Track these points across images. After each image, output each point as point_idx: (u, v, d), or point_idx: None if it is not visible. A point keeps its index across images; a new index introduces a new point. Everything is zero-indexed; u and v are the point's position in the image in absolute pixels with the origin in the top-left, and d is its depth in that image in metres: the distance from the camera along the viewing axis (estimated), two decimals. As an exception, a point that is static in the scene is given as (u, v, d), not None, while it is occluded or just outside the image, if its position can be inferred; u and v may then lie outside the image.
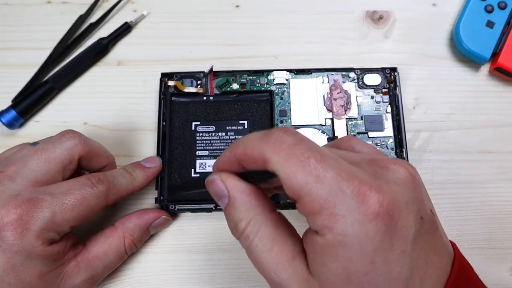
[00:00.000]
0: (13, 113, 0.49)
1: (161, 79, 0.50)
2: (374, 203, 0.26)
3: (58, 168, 0.40)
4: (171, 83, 0.49)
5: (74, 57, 0.53)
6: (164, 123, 0.48)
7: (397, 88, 0.49)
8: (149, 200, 0.48)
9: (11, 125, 0.50)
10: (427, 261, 0.28)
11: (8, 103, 0.50)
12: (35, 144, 0.42)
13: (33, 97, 0.50)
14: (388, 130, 0.48)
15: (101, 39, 0.53)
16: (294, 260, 0.29)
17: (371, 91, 0.50)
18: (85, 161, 0.42)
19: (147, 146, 0.50)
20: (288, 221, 0.31)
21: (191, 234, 0.47)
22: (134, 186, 0.43)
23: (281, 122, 0.48)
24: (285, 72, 0.50)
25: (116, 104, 0.52)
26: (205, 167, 0.47)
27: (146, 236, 0.45)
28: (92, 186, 0.39)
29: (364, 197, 0.26)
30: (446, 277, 0.29)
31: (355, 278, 0.27)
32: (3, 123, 0.49)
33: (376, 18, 0.54)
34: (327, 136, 0.48)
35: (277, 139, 0.28)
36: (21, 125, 0.51)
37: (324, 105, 0.49)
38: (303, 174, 0.27)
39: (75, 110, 0.52)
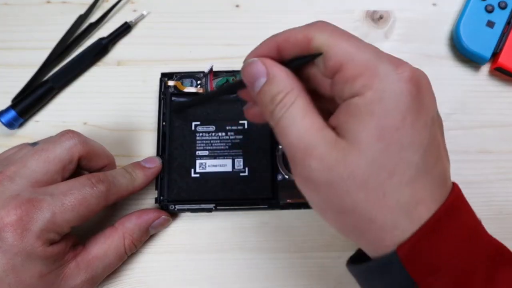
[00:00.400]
0: (13, 113, 0.49)
1: (161, 79, 0.50)
2: (407, 70, 0.30)
3: (57, 168, 0.40)
4: (171, 83, 0.49)
5: (74, 57, 0.53)
6: (164, 123, 0.48)
7: (397, 88, 0.49)
8: (149, 200, 0.48)
9: (11, 125, 0.50)
10: (439, 149, 0.32)
11: (8, 103, 0.50)
12: (34, 144, 0.42)
13: (33, 97, 0.50)
14: (388, 130, 0.48)
15: (101, 39, 0.53)
16: (324, 129, 0.30)
17: (371, 91, 0.50)
18: (85, 161, 0.42)
19: (147, 146, 0.50)
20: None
21: (191, 234, 0.47)
22: (134, 186, 0.43)
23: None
24: (285, 72, 0.50)
25: (116, 104, 0.52)
26: (205, 167, 0.47)
27: (146, 236, 0.45)
28: (92, 186, 0.39)
29: (399, 65, 0.30)
30: (447, 192, 0.31)
31: (387, 134, 0.29)
32: (3, 123, 0.49)
33: (376, 18, 0.54)
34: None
35: (320, 24, 0.32)
36: (21, 125, 0.51)
37: (324, 105, 0.49)
38: (347, 43, 0.30)
39: (75, 110, 0.52)
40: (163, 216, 0.45)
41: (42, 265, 0.37)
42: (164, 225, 0.46)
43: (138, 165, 0.45)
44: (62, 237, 0.39)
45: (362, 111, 0.29)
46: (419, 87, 0.30)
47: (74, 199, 0.38)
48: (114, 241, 0.43)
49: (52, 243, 0.38)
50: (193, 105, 0.48)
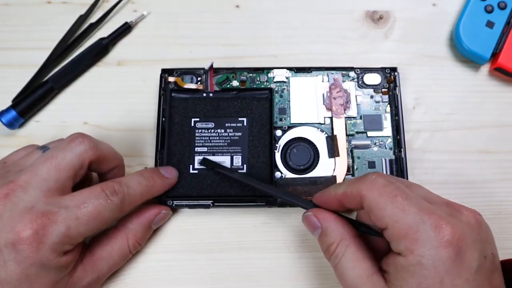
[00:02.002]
0: (13, 113, 0.49)
1: (161, 75, 0.50)
2: (448, 234, 0.33)
3: (68, 175, 0.39)
4: (171, 79, 0.49)
5: (74, 57, 0.53)
6: (163, 119, 0.48)
7: (397, 88, 0.49)
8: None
9: (11, 125, 0.50)
10: None
11: (8, 103, 0.50)
12: (44, 148, 0.42)
13: (33, 97, 0.50)
14: (387, 130, 0.48)
15: (101, 39, 0.53)
16: (373, 276, 0.35)
17: (371, 91, 0.50)
18: (95, 165, 0.42)
19: (147, 145, 0.50)
20: (367, 247, 0.38)
21: (191, 234, 0.47)
22: (150, 194, 0.43)
23: (280, 120, 0.49)
24: (285, 70, 0.50)
25: (116, 104, 0.52)
26: (204, 163, 0.47)
27: (149, 233, 0.45)
28: (107, 199, 0.39)
29: (440, 229, 0.33)
30: None
31: None
32: (3, 123, 0.49)
33: (376, 18, 0.54)
34: (326, 135, 0.48)
35: (371, 181, 0.36)
36: (21, 125, 0.51)
37: (324, 104, 0.49)
38: (392, 207, 0.34)
39: (75, 110, 0.52)
40: (163, 211, 0.45)
41: (55, 274, 0.38)
42: (165, 219, 0.46)
43: (157, 172, 0.44)
44: (74, 246, 0.39)
45: (405, 270, 0.33)
46: (460, 248, 0.33)
47: (88, 212, 0.38)
48: (117, 242, 0.43)
49: (65, 253, 0.38)
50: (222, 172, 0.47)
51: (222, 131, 0.47)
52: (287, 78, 0.50)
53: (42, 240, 0.36)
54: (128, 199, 0.40)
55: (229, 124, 0.47)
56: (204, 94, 0.49)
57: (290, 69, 0.50)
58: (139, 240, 0.44)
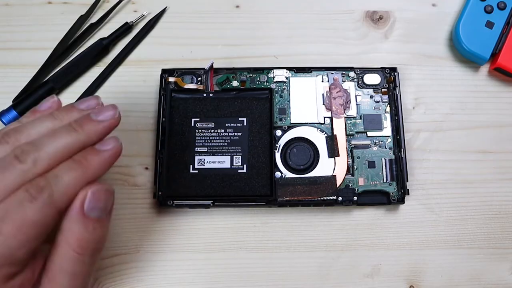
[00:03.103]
0: (13, 113, 0.49)
1: (161, 75, 0.50)
2: None
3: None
4: (171, 79, 0.50)
5: (74, 57, 0.53)
6: (163, 119, 0.48)
7: (397, 88, 0.49)
8: (146, 195, 0.48)
9: (11, 125, 0.50)
10: None
11: (9, 103, 0.50)
12: None
13: (34, 97, 0.50)
14: (387, 129, 0.49)
15: (102, 39, 0.53)
16: None
17: (371, 91, 0.50)
18: None
19: (147, 146, 0.50)
20: None
21: (191, 234, 0.47)
22: (87, 177, 0.34)
23: (280, 120, 0.49)
24: (285, 70, 0.50)
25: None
26: (204, 163, 0.46)
27: (90, 225, 0.34)
28: (31, 200, 0.31)
29: None
30: None
31: None
32: (3, 123, 0.49)
33: (376, 18, 0.55)
34: (326, 135, 0.48)
35: None
36: (21, 125, 0.51)
37: (323, 104, 0.49)
38: None
39: (75, 110, 0.52)
40: (89, 191, 0.34)
41: None
42: (102, 200, 0.34)
43: (90, 149, 0.35)
44: (25, 265, 0.33)
45: None
46: None
47: (12, 224, 0.31)
48: (60, 249, 0.34)
49: (13, 275, 0.32)
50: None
51: (222, 131, 0.47)
52: (287, 78, 0.50)
53: None
54: (59, 190, 0.32)
55: (229, 124, 0.48)
56: (204, 94, 0.49)
57: (290, 69, 0.50)
58: (82, 239, 0.34)
